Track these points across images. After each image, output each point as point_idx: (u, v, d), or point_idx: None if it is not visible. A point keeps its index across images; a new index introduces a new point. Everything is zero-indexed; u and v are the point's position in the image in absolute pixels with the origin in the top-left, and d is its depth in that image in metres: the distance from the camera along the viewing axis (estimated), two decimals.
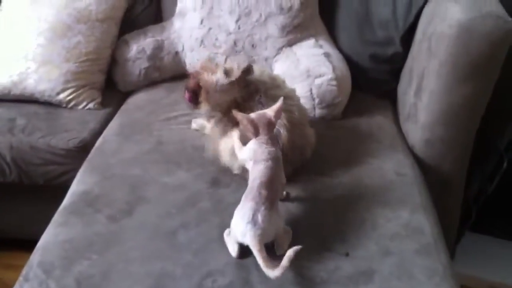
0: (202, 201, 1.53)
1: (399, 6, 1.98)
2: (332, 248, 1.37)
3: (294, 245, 1.32)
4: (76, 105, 2.12)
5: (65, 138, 1.94)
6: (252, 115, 1.40)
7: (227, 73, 1.60)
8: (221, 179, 1.63)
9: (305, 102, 1.89)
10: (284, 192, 1.50)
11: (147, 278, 1.28)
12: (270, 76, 1.70)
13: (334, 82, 1.92)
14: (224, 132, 1.65)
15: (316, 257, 1.33)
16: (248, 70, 1.61)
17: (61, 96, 2.10)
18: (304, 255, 1.33)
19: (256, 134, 1.40)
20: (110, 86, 2.27)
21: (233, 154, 1.57)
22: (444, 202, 1.76)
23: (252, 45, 2.13)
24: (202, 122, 1.88)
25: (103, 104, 2.17)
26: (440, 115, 1.72)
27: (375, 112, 2.03)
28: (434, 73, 1.70)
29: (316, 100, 1.93)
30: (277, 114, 1.41)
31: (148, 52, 2.22)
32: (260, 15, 2.10)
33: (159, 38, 2.25)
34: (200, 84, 1.63)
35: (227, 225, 1.38)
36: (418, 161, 1.79)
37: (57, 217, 1.51)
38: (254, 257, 1.30)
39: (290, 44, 2.12)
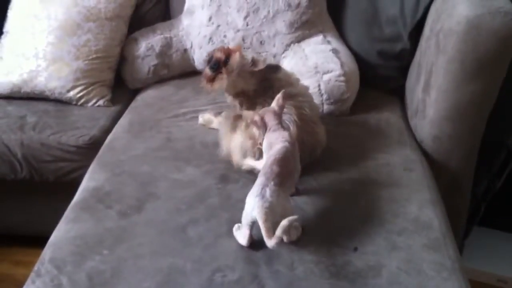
0: (211, 197, 1.54)
1: (407, 2, 1.98)
2: (341, 243, 1.37)
3: (303, 241, 1.35)
4: (86, 102, 2.14)
5: (75, 135, 1.96)
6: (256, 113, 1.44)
7: (254, 62, 1.62)
8: (230, 175, 1.63)
9: (313, 98, 1.90)
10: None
11: (157, 273, 1.29)
12: (285, 73, 1.72)
13: (342, 78, 1.93)
14: (234, 128, 1.66)
15: (324, 252, 1.34)
16: (274, 68, 1.63)
17: (71, 93, 2.12)
18: (312, 250, 1.35)
19: (265, 127, 1.43)
20: (119, 83, 2.29)
21: (242, 151, 1.58)
22: (452, 198, 1.76)
23: (260, 42, 2.14)
24: (209, 117, 1.90)
25: (112, 101, 2.19)
26: (448, 111, 1.73)
27: (383, 108, 2.04)
28: (442, 70, 1.70)
29: (324, 96, 1.94)
30: (279, 103, 1.44)
31: (157, 49, 2.23)
32: (268, 11, 2.11)
33: (167, 35, 2.27)
34: (230, 59, 1.63)
35: (236, 221, 1.39)
36: (426, 157, 1.79)
37: (68, 213, 1.53)
38: (263, 253, 1.32)
39: (298, 40, 2.13)
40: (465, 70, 1.66)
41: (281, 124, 1.46)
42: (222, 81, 1.64)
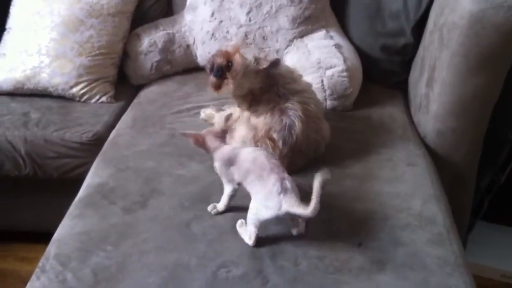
0: (215, 193, 1.53)
1: None
2: (344, 238, 1.38)
3: (306, 237, 1.35)
4: (89, 98, 2.14)
5: (79, 132, 1.96)
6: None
7: (256, 60, 1.61)
8: None
9: (316, 93, 1.90)
10: None
11: (162, 269, 1.30)
12: (288, 69, 1.71)
13: (345, 74, 1.93)
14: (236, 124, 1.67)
15: (328, 247, 1.35)
16: (275, 64, 1.62)
17: (74, 90, 2.13)
18: (316, 245, 1.35)
19: (206, 148, 1.47)
20: (122, 79, 2.29)
21: (244, 143, 1.60)
22: (456, 192, 1.76)
23: (263, 37, 2.14)
24: (211, 112, 1.91)
25: (115, 98, 2.19)
26: (452, 106, 1.73)
27: (386, 103, 2.03)
28: (445, 64, 1.70)
29: (327, 92, 1.94)
30: (223, 126, 1.48)
31: (160, 45, 2.23)
32: (271, 7, 2.11)
33: (170, 31, 2.27)
34: (233, 62, 1.60)
35: (240, 217, 1.40)
36: (430, 151, 1.79)
37: (72, 209, 1.53)
38: (268, 248, 1.33)
39: (301, 35, 2.12)
40: (469, 64, 1.66)
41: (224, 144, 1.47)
42: (229, 86, 1.62)
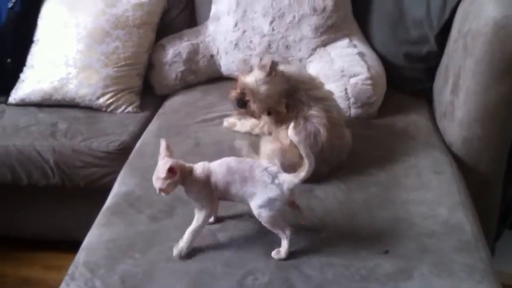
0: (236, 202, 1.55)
1: (433, 4, 1.98)
2: (370, 246, 1.37)
3: (332, 245, 1.35)
4: (115, 109, 2.18)
5: (106, 141, 1.99)
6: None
7: (262, 67, 1.61)
8: None
9: (340, 101, 1.90)
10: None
11: (188, 276, 1.31)
12: (310, 76, 1.73)
13: (369, 81, 1.93)
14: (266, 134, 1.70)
15: (354, 255, 1.34)
16: (275, 64, 1.62)
17: (101, 100, 2.16)
18: (342, 253, 1.35)
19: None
20: (147, 89, 2.32)
21: (270, 158, 1.60)
22: (483, 200, 1.74)
23: (286, 47, 2.15)
24: (233, 121, 1.93)
25: (141, 108, 2.22)
26: (477, 113, 1.72)
27: (411, 110, 2.03)
28: (470, 71, 1.69)
29: (351, 100, 1.94)
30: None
31: (184, 55, 2.26)
32: (294, 16, 2.12)
33: (194, 41, 2.29)
34: (241, 87, 1.64)
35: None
36: (456, 159, 1.78)
37: (100, 218, 1.56)
38: (293, 257, 1.34)
39: (324, 44, 2.13)
40: (494, 71, 1.65)
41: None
42: (255, 106, 1.63)
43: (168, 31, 2.38)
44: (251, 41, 2.19)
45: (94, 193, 1.91)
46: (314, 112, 1.61)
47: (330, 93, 1.74)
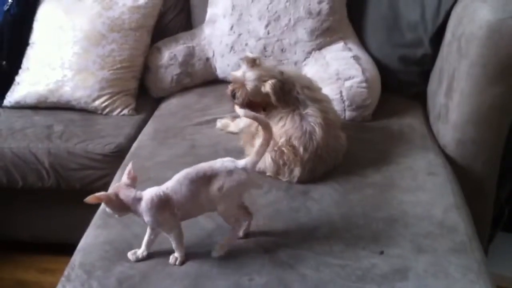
0: None
1: (428, 8, 1.99)
2: (366, 246, 1.38)
3: (328, 245, 1.35)
4: (111, 111, 2.18)
5: (101, 144, 2.00)
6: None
7: (248, 61, 1.66)
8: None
9: (335, 104, 1.92)
10: None
11: (185, 278, 1.31)
12: (309, 78, 1.77)
13: (364, 84, 1.94)
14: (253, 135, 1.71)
15: (350, 256, 1.35)
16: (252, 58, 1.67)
17: (97, 102, 2.17)
18: (338, 253, 1.36)
19: (123, 205, 1.33)
20: (143, 92, 2.33)
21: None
22: (476, 202, 1.74)
23: (282, 50, 2.16)
24: (226, 121, 1.94)
25: (137, 110, 2.22)
26: (471, 115, 1.73)
27: (405, 113, 2.04)
28: (464, 74, 1.71)
29: (346, 103, 1.95)
30: (130, 176, 1.36)
31: (180, 58, 2.27)
32: (289, 19, 2.14)
33: (190, 44, 2.30)
34: (233, 82, 1.68)
35: (261, 226, 1.42)
36: (450, 161, 1.79)
37: (96, 219, 1.56)
38: (289, 257, 1.35)
39: (319, 47, 2.15)
40: (488, 74, 1.66)
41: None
42: (239, 94, 1.67)
43: (164, 34, 2.40)
44: (246, 44, 2.20)
45: (89, 195, 1.90)
46: (311, 111, 1.63)
47: (327, 97, 1.76)
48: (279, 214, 1.52)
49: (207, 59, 2.30)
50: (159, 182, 1.64)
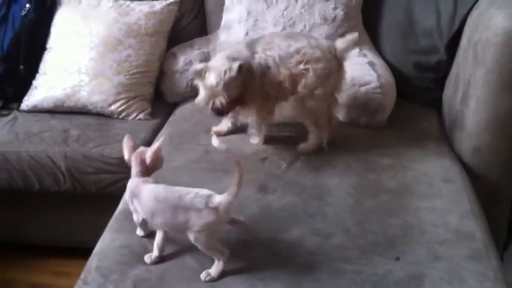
0: (250, 207, 1.56)
1: (443, 14, 1.99)
2: (381, 253, 1.38)
3: (343, 251, 1.35)
4: (127, 116, 2.20)
5: (117, 148, 1.99)
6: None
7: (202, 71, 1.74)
8: (268, 185, 1.66)
9: (350, 110, 1.92)
10: None
11: (200, 282, 1.31)
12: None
13: (379, 90, 1.94)
14: None
15: (366, 262, 1.35)
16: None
17: (113, 107, 2.18)
18: (353, 259, 1.36)
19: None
20: (158, 97, 2.34)
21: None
22: (492, 209, 1.74)
23: None
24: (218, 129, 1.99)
25: (152, 115, 2.23)
26: (488, 122, 1.73)
27: (421, 119, 2.04)
28: (480, 81, 1.71)
29: (361, 108, 1.95)
30: (152, 154, 1.44)
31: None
32: (305, 26, 2.14)
33: (205, 50, 2.32)
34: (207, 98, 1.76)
35: (276, 230, 1.42)
36: (466, 168, 1.79)
37: (112, 223, 1.57)
38: (304, 262, 1.35)
39: None
40: (504, 81, 1.67)
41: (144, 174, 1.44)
42: (218, 102, 1.74)
43: (179, 40, 2.41)
44: None
45: (105, 199, 1.92)
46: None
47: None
48: (294, 218, 1.52)
49: None
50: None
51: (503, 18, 1.64)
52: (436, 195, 1.61)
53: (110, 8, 2.28)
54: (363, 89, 1.95)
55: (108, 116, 2.21)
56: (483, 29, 1.72)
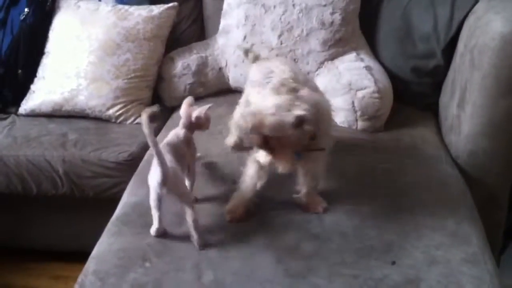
0: (248, 213, 1.56)
1: (440, 19, 2.00)
2: (378, 257, 1.39)
3: (340, 255, 1.35)
4: (125, 120, 2.21)
5: (115, 152, 2.01)
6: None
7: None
8: (267, 189, 1.66)
9: (347, 115, 1.93)
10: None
11: (198, 286, 1.32)
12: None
13: (376, 95, 1.95)
14: None
15: (362, 266, 1.36)
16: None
17: (111, 111, 2.19)
18: (350, 263, 1.36)
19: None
20: (157, 101, 2.35)
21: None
22: (489, 213, 1.75)
23: (294, 60, 2.17)
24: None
25: (150, 119, 2.22)
26: (484, 127, 1.74)
27: (417, 124, 2.05)
28: (477, 85, 1.71)
29: (358, 113, 1.96)
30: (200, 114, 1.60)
31: (193, 68, 2.29)
32: (302, 30, 2.15)
33: (203, 54, 2.32)
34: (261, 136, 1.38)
35: (273, 235, 1.42)
36: (462, 172, 1.79)
37: (110, 226, 1.57)
38: (302, 266, 1.35)
39: (332, 58, 2.16)
40: (500, 86, 1.67)
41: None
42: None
43: (177, 44, 2.42)
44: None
45: (102, 203, 1.93)
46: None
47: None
48: (291, 223, 1.52)
49: (220, 68, 2.32)
50: None
51: (500, 22, 1.65)
52: (433, 199, 1.61)
53: (109, 13, 2.28)
54: (360, 93, 1.96)
55: (106, 120, 2.21)
56: (480, 34, 1.72)
